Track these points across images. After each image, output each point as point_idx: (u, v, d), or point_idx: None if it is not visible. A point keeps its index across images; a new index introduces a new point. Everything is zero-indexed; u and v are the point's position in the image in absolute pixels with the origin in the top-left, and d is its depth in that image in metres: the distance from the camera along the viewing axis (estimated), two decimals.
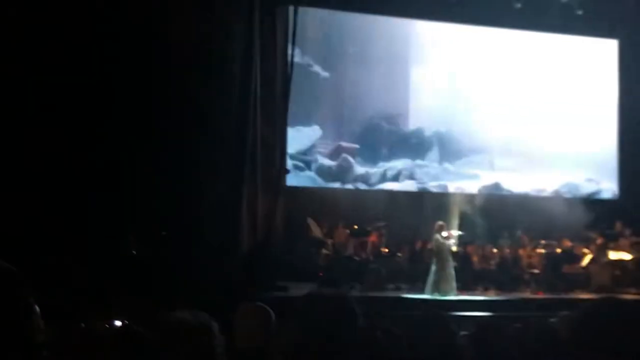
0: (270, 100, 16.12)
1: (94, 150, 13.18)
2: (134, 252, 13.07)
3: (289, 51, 16.61)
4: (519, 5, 17.75)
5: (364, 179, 18.24)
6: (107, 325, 6.39)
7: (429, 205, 17.58)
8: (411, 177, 18.54)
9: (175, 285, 11.88)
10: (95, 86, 13.23)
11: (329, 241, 16.08)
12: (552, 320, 4.68)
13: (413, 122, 18.82)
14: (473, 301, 13.95)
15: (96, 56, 13.29)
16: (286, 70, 16.48)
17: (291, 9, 16.70)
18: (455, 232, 14.94)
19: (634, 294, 15.23)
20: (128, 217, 13.25)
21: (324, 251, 15.81)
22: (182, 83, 13.88)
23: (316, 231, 16.29)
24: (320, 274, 15.14)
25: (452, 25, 18.91)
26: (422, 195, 18.46)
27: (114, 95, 13.46)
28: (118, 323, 6.61)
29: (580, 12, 17.88)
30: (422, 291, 14.29)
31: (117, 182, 13.31)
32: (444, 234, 14.41)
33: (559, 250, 16.45)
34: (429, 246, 15.19)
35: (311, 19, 17.84)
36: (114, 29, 13.44)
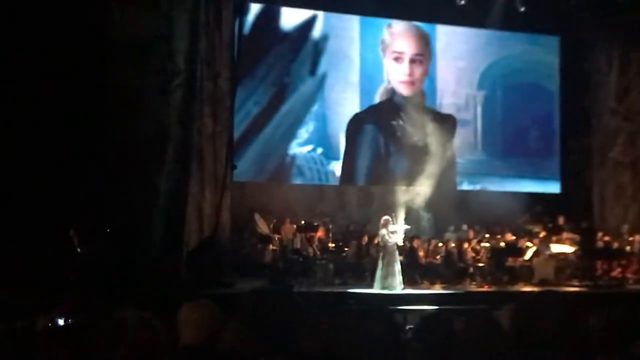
0: (217, 96, 16.03)
1: (36, 146, 12.98)
2: (79, 249, 12.89)
3: (236, 46, 16.55)
4: (462, 2, 17.92)
5: None
6: (49, 324, 6.31)
7: (376, 200, 17.68)
8: None
9: (121, 281, 11.78)
10: (36, 82, 13.03)
11: (276, 236, 16.07)
12: (495, 312, 4.75)
13: None
14: (419, 295, 14.05)
15: (38, 51, 13.09)
16: (233, 65, 16.40)
17: (237, 3, 16.67)
18: (402, 227, 14.99)
19: (577, 286, 15.52)
20: (72, 214, 13.08)
21: (271, 246, 15.79)
22: (126, 78, 13.74)
23: (263, 226, 16.26)
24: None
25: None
26: (368, 190, 18.55)
27: (56, 90, 13.26)
28: (61, 321, 6.54)
29: (522, 9, 18.10)
30: (369, 286, 14.35)
31: (60, 179, 13.12)
32: (391, 228, 14.46)
33: (502, 244, 16.65)
34: (376, 241, 15.25)
35: None
36: (55, 23, 13.25)
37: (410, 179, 17.38)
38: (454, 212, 17.71)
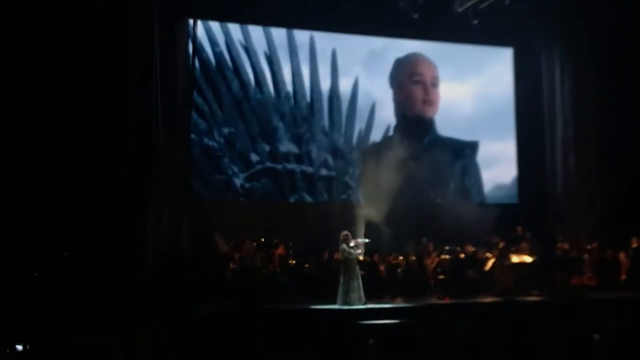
0: (173, 114, 15.92)
1: None
2: (35, 274, 12.70)
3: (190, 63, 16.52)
4: (415, 16, 18.06)
5: None
6: (7, 350, 6.21)
7: (335, 215, 17.66)
8: None
9: (79, 305, 11.62)
10: None
11: (236, 255, 15.94)
12: (456, 323, 4.77)
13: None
14: (381, 309, 14.02)
15: None
16: (188, 83, 16.33)
17: (190, 21, 16.65)
18: (362, 241, 14.95)
19: (536, 295, 15.60)
20: (27, 238, 12.89)
21: (231, 265, 15.67)
22: (79, 97, 13.62)
23: (223, 245, 16.13)
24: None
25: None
26: (328, 206, 18.54)
27: (11, 115, 13.13)
28: (19, 347, 6.43)
29: (475, 22, 18.30)
30: (331, 301, 14.30)
31: (15, 203, 12.95)
32: (351, 243, 14.44)
33: (462, 256, 16.69)
34: (336, 256, 15.21)
35: None
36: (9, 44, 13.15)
37: (369, 193, 17.44)
38: (413, 225, 17.76)
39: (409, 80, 19.84)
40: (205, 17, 17.59)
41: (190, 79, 16.45)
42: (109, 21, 14.16)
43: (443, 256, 16.70)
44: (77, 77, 13.68)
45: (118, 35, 14.30)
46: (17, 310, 11.19)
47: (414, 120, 19.80)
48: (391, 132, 19.53)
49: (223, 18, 18.03)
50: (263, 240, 16.27)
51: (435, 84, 19.99)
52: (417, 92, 19.85)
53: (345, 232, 14.58)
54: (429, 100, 19.86)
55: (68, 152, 13.63)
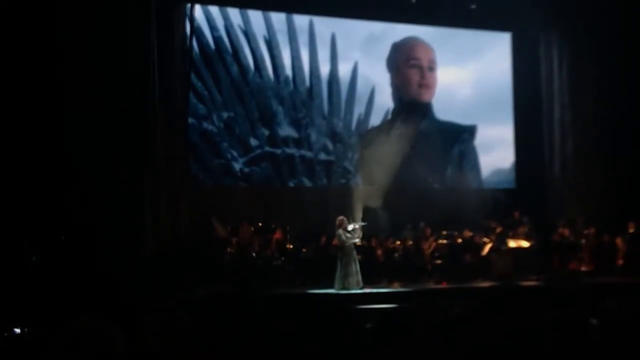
0: (172, 98, 15.91)
1: None
2: (33, 258, 12.72)
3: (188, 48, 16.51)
4: (414, 0, 18.04)
5: None
6: (5, 333, 6.23)
7: (333, 200, 17.69)
8: None
9: (78, 289, 11.64)
10: None
11: (234, 239, 15.97)
12: (453, 308, 4.78)
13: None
14: (378, 293, 14.08)
15: None
16: (186, 69, 16.32)
17: (188, 6, 16.62)
18: (359, 225, 14.97)
19: (533, 280, 15.66)
20: (25, 222, 12.90)
21: (229, 250, 15.69)
22: (77, 81, 13.61)
23: (220, 230, 16.15)
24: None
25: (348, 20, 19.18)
26: (327, 190, 18.56)
27: (11, 102, 13.13)
28: (17, 330, 6.45)
29: (473, 7, 18.28)
30: (328, 286, 14.35)
31: (12, 187, 12.95)
32: (349, 227, 14.48)
33: (460, 241, 16.74)
34: (334, 241, 15.24)
35: None
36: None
37: (367, 177, 17.48)
38: (410, 210, 17.79)
39: (405, 64, 19.79)
40: (205, 2, 17.56)
41: (187, 60, 16.40)
42: (107, 5, 14.13)
43: (440, 241, 16.75)
44: (75, 61, 13.66)
45: (117, 20, 14.27)
46: (16, 294, 11.22)
47: (411, 104, 19.74)
48: (390, 117, 19.47)
49: (222, 2, 17.97)
50: (261, 224, 16.29)
51: (432, 68, 19.91)
52: (414, 76, 19.80)
53: (340, 218, 14.61)
54: (426, 84, 19.80)
55: (66, 136, 13.62)
